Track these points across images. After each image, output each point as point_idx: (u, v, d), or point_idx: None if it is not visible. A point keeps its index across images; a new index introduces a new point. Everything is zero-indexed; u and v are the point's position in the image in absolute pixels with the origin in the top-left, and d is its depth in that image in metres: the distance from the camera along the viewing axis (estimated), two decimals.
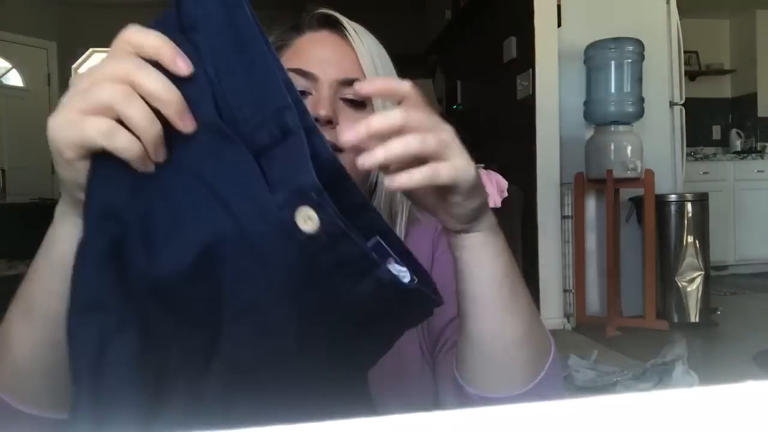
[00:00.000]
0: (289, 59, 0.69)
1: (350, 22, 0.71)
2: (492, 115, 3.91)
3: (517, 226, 2.40)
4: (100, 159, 0.37)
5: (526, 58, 3.30)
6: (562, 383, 0.63)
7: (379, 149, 0.42)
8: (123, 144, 0.36)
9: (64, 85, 5.98)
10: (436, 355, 0.68)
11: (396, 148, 0.42)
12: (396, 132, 0.42)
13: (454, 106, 4.68)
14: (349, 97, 0.67)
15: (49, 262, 0.44)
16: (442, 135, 0.44)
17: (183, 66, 0.37)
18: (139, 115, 0.36)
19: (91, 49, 6.14)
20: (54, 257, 0.44)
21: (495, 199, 2.26)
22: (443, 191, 0.47)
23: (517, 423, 0.18)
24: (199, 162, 0.38)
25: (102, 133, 0.36)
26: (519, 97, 3.41)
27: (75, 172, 0.38)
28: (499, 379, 0.55)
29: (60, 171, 0.39)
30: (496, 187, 2.28)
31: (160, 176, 0.38)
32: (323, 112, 0.64)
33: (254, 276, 0.38)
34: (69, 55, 6.04)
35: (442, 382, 0.64)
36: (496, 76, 3.76)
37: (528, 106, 3.28)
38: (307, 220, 0.36)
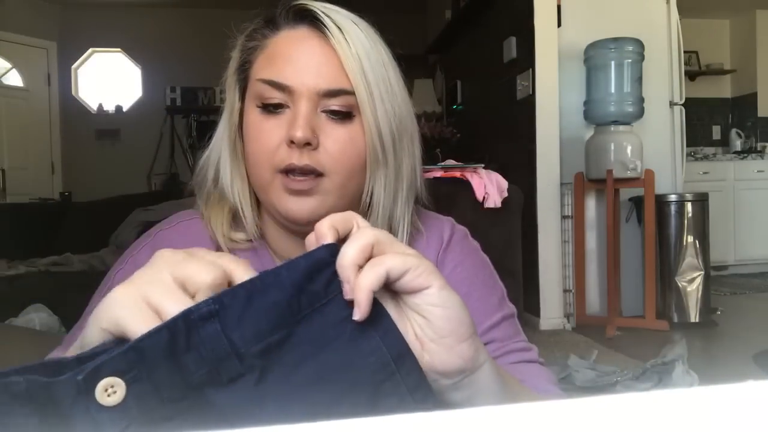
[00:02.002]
0: (263, 66, 0.61)
1: (332, 12, 0.61)
2: (492, 115, 3.91)
3: (517, 226, 2.40)
4: None
5: (526, 58, 3.30)
6: None
7: (360, 295, 0.35)
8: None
9: (64, 85, 5.99)
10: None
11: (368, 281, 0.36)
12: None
13: (454, 106, 4.68)
14: (334, 108, 0.59)
15: None
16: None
17: None
18: None
19: (91, 49, 6.14)
20: None
21: (495, 199, 2.25)
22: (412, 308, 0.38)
23: (517, 423, 0.18)
24: None
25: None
26: (519, 97, 3.40)
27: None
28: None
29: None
30: (496, 187, 2.28)
31: None
32: (299, 134, 0.57)
33: None
34: (69, 55, 6.04)
35: None
36: (496, 76, 3.76)
37: (528, 106, 3.28)
38: (108, 390, 0.31)
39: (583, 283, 3.27)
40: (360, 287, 0.35)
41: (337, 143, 0.60)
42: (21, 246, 3.20)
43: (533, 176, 3.23)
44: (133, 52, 6.14)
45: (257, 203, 0.68)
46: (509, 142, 3.57)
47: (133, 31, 6.02)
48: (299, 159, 0.58)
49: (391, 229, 0.66)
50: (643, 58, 3.13)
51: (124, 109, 6.17)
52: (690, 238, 3.19)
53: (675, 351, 2.23)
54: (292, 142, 0.58)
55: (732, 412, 0.18)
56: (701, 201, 3.24)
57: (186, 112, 5.88)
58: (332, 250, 0.36)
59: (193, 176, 0.70)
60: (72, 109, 6.09)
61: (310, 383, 0.35)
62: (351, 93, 0.59)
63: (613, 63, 3.10)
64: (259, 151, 0.60)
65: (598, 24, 3.27)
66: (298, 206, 0.60)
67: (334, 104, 0.59)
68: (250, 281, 0.35)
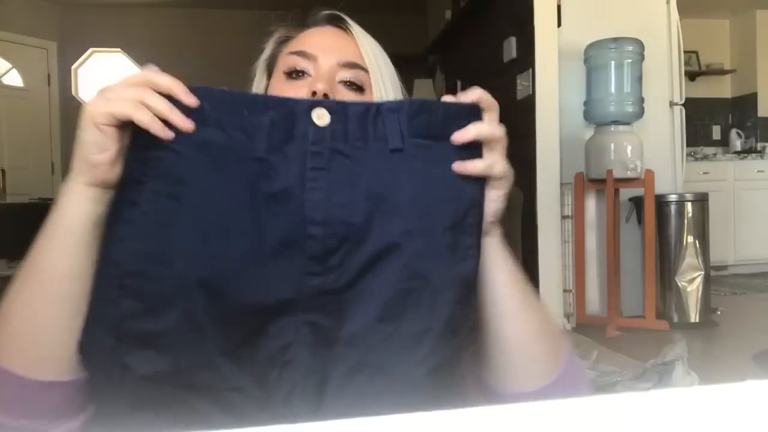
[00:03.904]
0: (292, 47, 0.72)
1: (353, 22, 0.74)
2: None
3: (517, 226, 2.39)
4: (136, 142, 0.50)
5: (526, 58, 3.30)
6: (584, 372, 0.70)
7: (476, 164, 0.55)
8: (146, 118, 0.48)
9: (64, 85, 5.98)
10: None
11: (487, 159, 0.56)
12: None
13: None
14: (349, 79, 0.69)
15: (59, 227, 0.51)
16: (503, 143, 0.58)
17: (192, 100, 0.50)
18: (159, 102, 0.49)
19: (91, 49, 6.14)
20: (61, 220, 0.51)
21: None
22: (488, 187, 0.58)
23: (519, 422, 0.18)
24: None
25: (131, 107, 0.48)
26: (519, 97, 3.40)
27: (101, 135, 0.49)
28: (527, 374, 0.60)
29: (86, 135, 0.49)
30: None
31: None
32: (320, 86, 0.65)
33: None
34: (69, 55, 6.03)
35: (469, 387, 0.65)
36: (496, 76, 3.76)
37: (528, 106, 3.28)
38: (319, 117, 0.50)
39: (583, 283, 3.27)
40: (477, 166, 0.55)
41: None
42: (21, 246, 3.20)
43: (533, 176, 3.23)
44: (133, 52, 6.14)
45: None
46: (509, 142, 3.56)
47: (133, 31, 6.01)
48: None
49: None
50: (643, 58, 3.13)
51: None
52: (690, 238, 3.19)
53: (675, 351, 2.23)
54: (314, 93, 0.66)
55: (732, 412, 0.18)
56: (701, 201, 3.24)
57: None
58: (475, 110, 0.55)
59: None
60: (72, 109, 6.09)
61: (426, 174, 0.53)
62: (365, 69, 0.70)
63: (613, 63, 3.10)
64: None
65: (598, 24, 3.27)
66: None
67: (350, 76, 0.69)
68: (428, 104, 0.53)
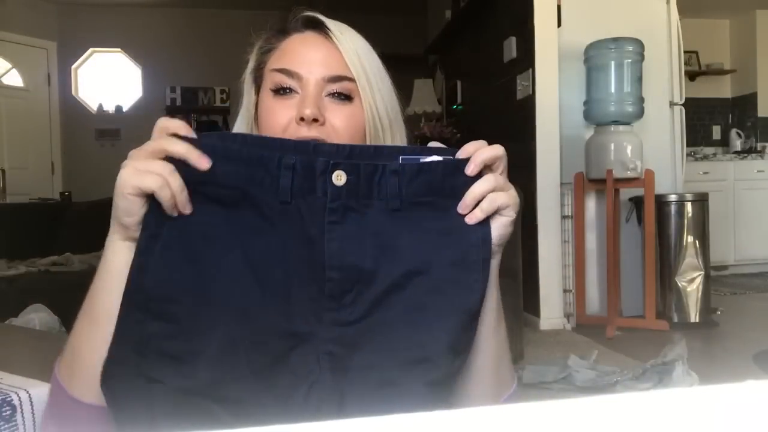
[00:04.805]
0: (276, 61, 0.72)
1: (334, 22, 0.73)
2: (492, 115, 3.91)
3: (517, 226, 2.39)
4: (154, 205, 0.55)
5: (526, 58, 3.30)
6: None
7: (478, 212, 0.59)
8: (166, 196, 0.53)
9: (64, 85, 5.98)
10: None
11: (489, 206, 0.59)
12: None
13: (454, 106, 4.68)
14: (336, 91, 0.70)
15: (105, 274, 0.58)
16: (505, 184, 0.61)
17: (205, 162, 0.55)
18: (176, 183, 0.54)
19: (91, 49, 6.14)
20: (107, 269, 0.58)
21: None
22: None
23: (519, 423, 0.18)
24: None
25: (155, 183, 0.53)
26: (519, 97, 3.40)
27: (128, 203, 0.54)
28: (471, 398, 0.64)
29: (118, 201, 0.55)
30: None
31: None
32: (308, 111, 0.67)
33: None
34: (69, 55, 6.03)
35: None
36: (496, 76, 3.76)
37: (528, 106, 3.28)
38: (337, 177, 0.56)
39: (583, 283, 3.27)
40: (483, 209, 0.59)
41: (340, 118, 0.70)
42: (21, 246, 3.20)
43: (533, 176, 3.23)
44: (133, 52, 6.14)
45: None
46: (509, 142, 3.55)
47: (133, 31, 6.01)
48: (308, 131, 0.67)
49: None
50: (643, 58, 3.13)
51: (124, 109, 6.17)
52: (690, 238, 3.19)
53: (675, 351, 2.23)
54: (302, 119, 0.67)
55: (732, 412, 0.18)
56: (701, 201, 3.24)
57: (186, 112, 5.88)
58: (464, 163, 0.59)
59: None
60: (72, 109, 6.09)
61: (423, 225, 0.59)
62: (352, 80, 0.70)
63: (613, 63, 3.10)
64: (272, 128, 0.70)
65: (598, 24, 3.27)
66: None
67: (337, 88, 0.70)
68: (427, 164, 0.59)
